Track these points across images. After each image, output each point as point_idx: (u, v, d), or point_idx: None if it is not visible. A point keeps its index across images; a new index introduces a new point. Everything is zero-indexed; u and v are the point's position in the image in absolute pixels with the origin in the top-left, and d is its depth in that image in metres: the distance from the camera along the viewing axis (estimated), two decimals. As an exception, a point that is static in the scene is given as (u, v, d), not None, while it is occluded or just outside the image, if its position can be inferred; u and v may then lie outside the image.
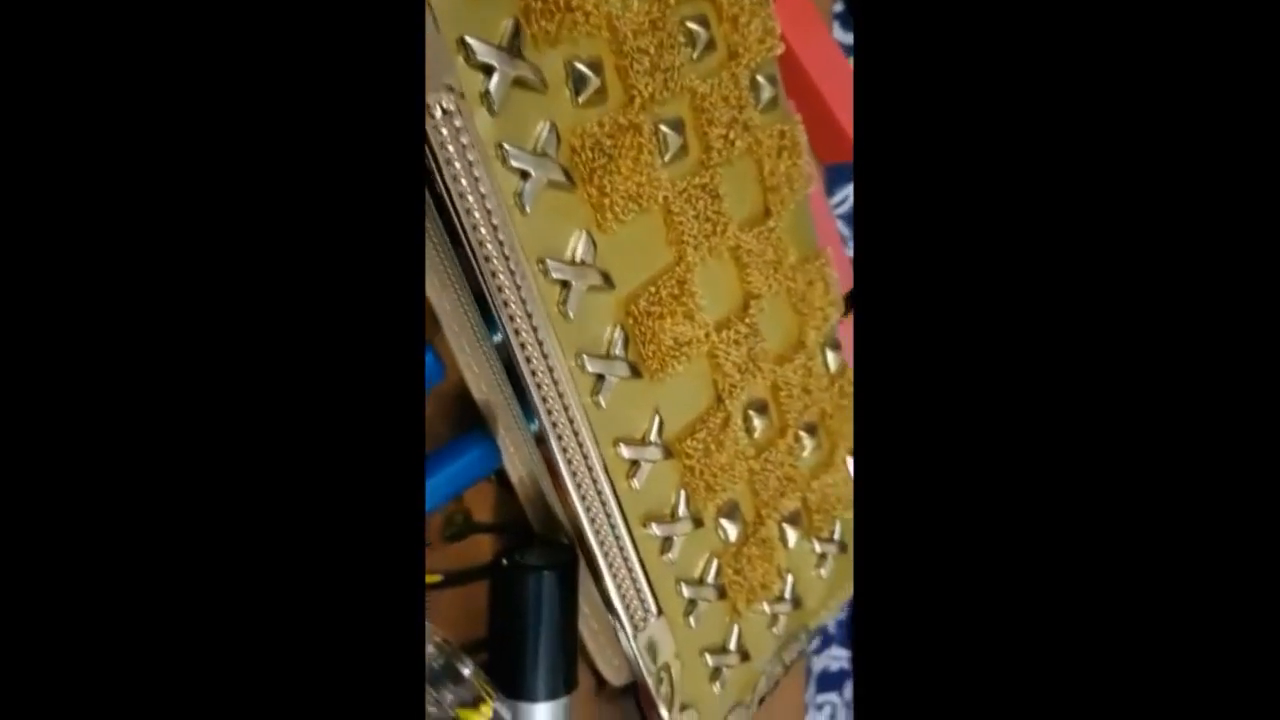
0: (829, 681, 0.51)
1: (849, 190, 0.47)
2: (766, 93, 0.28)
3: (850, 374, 0.33)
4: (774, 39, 0.28)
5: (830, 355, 0.32)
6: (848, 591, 0.34)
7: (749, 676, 0.30)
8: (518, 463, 0.26)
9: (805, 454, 0.31)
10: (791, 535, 0.31)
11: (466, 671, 0.26)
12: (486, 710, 0.27)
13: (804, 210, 0.31)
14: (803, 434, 0.31)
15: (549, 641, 0.28)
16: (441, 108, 0.20)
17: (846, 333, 0.38)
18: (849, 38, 0.45)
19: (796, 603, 0.32)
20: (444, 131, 0.20)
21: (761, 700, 0.31)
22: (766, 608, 0.30)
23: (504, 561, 0.28)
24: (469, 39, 0.20)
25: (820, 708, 0.50)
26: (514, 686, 0.28)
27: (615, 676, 0.28)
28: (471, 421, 0.26)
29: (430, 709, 0.26)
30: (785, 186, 0.29)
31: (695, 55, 0.25)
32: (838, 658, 0.51)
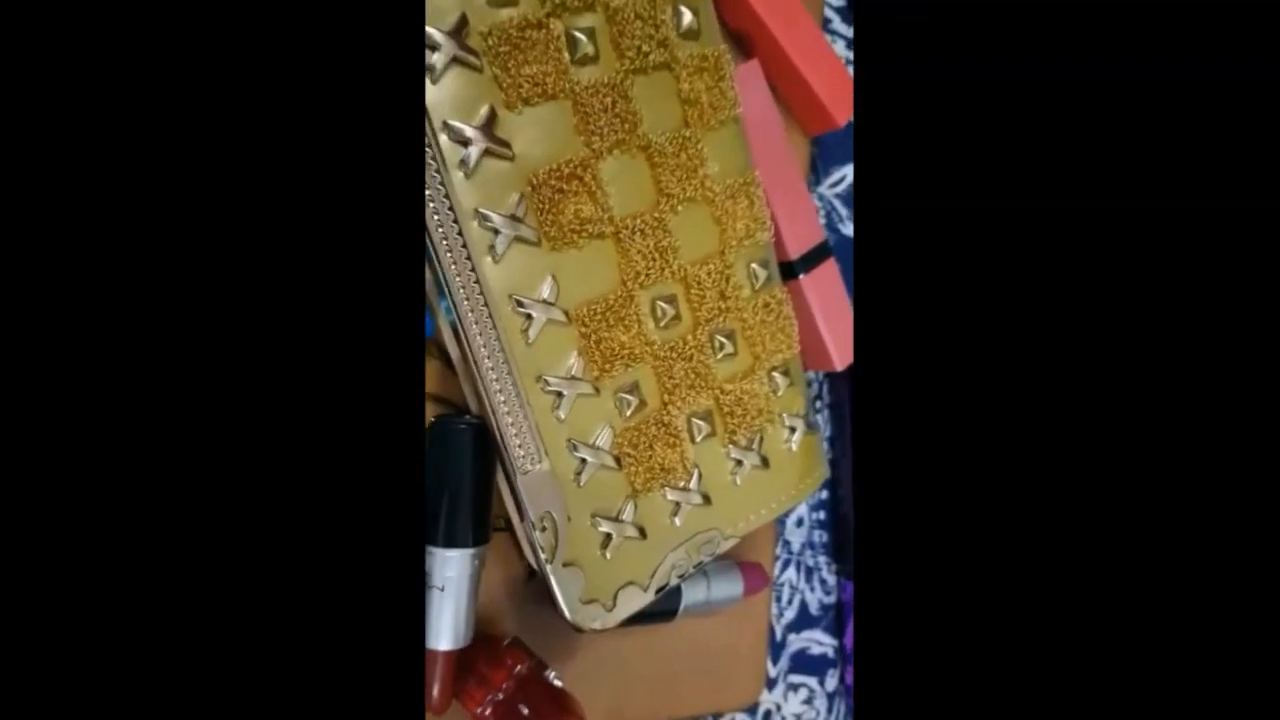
0: (808, 664, 0.50)
1: (848, 170, 0.49)
2: (687, 19, 0.32)
3: (777, 293, 0.35)
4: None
5: (758, 270, 0.34)
6: (771, 508, 0.35)
7: (646, 556, 0.32)
8: (452, 341, 0.30)
9: (719, 357, 0.33)
10: (700, 428, 0.33)
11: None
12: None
13: (734, 134, 0.34)
14: (718, 336, 0.33)
15: (459, 494, 0.31)
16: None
17: (845, 331, 0.40)
18: (849, 30, 0.48)
19: (706, 499, 0.33)
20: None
21: (661, 589, 0.32)
22: (669, 494, 0.32)
23: (431, 421, 0.32)
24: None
25: (795, 688, 0.49)
26: (430, 532, 0.31)
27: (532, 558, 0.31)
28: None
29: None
30: (705, 103, 0.32)
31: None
32: (821, 643, 0.50)
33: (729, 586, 0.38)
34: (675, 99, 0.32)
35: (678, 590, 0.36)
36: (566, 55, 0.29)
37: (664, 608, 0.36)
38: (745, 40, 0.40)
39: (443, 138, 0.27)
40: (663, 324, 0.32)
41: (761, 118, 0.38)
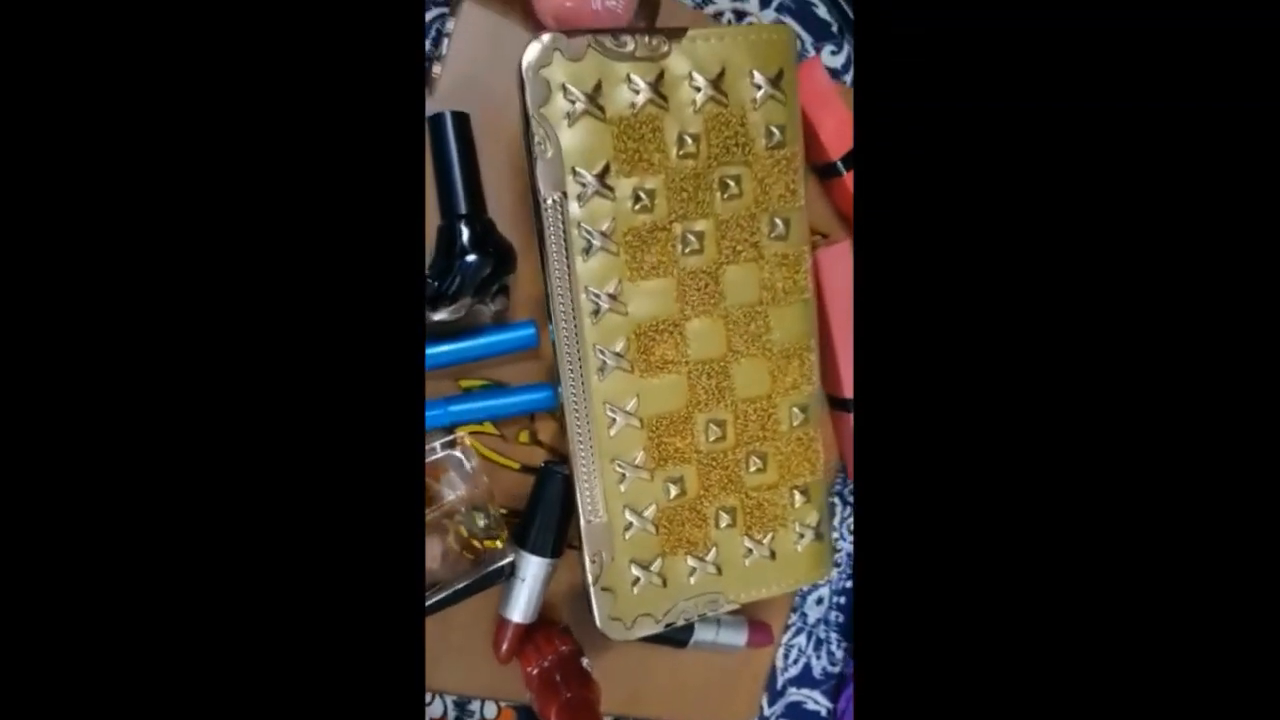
0: (800, 716, 0.60)
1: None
2: (779, 227, 0.43)
3: (811, 431, 0.45)
4: (793, 194, 0.43)
5: (797, 412, 0.45)
6: (772, 589, 0.46)
7: (663, 599, 0.44)
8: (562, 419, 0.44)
9: (751, 470, 0.45)
10: (724, 520, 0.45)
11: (489, 516, 0.45)
12: (496, 543, 0.45)
13: (800, 312, 0.45)
14: (753, 456, 0.45)
15: (547, 518, 0.45)
16: (553, 199, 0.39)
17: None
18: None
19: (718, 569, 0.45)
20: (550, 212, 0.39)
21: (669, 625, 0.45)
22: (689, 560, 0.44)
23: (542, 464, 0.46)
24: (577, 169, 0.39)
25: (789, 732, 0.60)
26: (521, 538, 0.45)
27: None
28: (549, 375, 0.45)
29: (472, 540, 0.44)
30: (780, 288, 0.43)
31: (725, 196, 0.42)
32: (816, 701, 0.60)
33: (735, 636, 0.50)
34: (756, 283, 0.43)
35: (690, 627, 0.48)
36: (679, 248, 0.41)
37: (678, 637, 0.48)
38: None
39: (582, 297, 0.40)
40: (711, 439, 0.44)
41: (845, 289, 0.49)
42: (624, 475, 0.43)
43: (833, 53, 0.52)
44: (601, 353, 0.41)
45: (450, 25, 0.44)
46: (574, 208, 0.40)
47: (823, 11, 0.51)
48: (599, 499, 0.42)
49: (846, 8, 0.50)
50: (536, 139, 0.39)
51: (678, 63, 0.40)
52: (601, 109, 0.39)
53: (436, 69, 0.44)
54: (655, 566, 0.44)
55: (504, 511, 0.47)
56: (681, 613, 0.45)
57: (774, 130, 0.42)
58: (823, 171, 0.50)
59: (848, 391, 0.51)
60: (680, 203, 0.41)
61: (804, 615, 0.58)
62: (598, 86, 0.39)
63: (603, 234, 0.40)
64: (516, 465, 0.48)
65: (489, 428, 0.47)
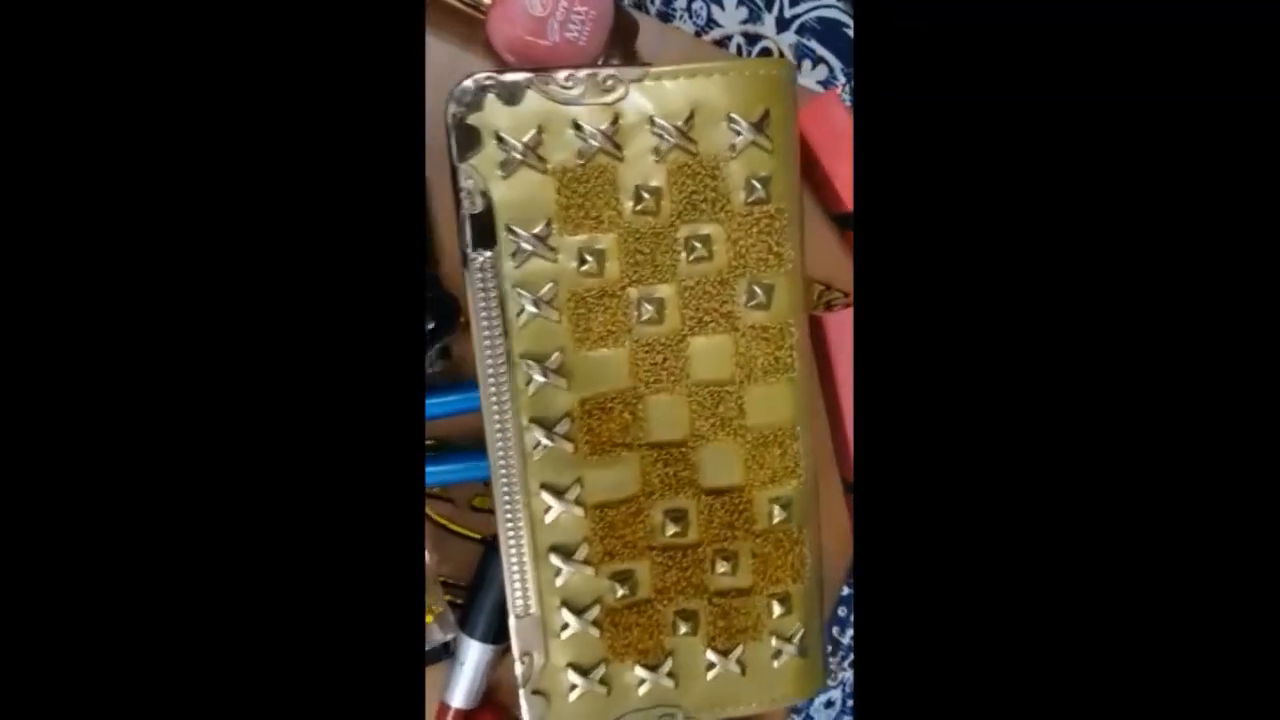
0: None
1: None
2: (759, 296, 0.36)
3: (793, 532, 0.38)
4: (777, 257, 0.36)
5: (778, 510, 0.38)
6: (740, 708, 0.40)
7: (605, 709, 0.39)
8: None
9: (716, 573, 0.38)
10: (682, 627, 0.39)
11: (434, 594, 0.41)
12: (430, 616, 0.41)
13: (785, 393, 0.38)
14: (720, 557, 0.38)
15: (488, 600, 0.41)
16: (483, 259, 0.35)
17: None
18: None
19: (674, 681, 0.39)
20: (478, 273, 0.35)
21: (615, 736, 0.39)
22: (639, 670, 0.39)
23: (485, 540, 0.42)
24: (513, 226, 0.35)
25: None
26: (462, 619, 0.42)
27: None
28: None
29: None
30: (759, 365, 0.37)
31: (691, 258, 0.36)
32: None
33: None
34: (728, 358, 0.37)
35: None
36: (634, 314, 0.36)
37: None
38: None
39: (517, 367, 0.36)
40: (668, 534, 0.38)
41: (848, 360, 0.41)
42: (560, 568, 0.38)
43: (868, 81, 0.44)
44: (538, 429, 0.37)
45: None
46: (508, 268, 0.35)
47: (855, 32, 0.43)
48: (530, 592, 0.38)
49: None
50: (464, 191, 0.34)
51: (637, 105, 0.35)
52: (543, 159, 0.35)
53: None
54: (597, 673, 0.39)
55: (442, 581, 0.43)
56: (629, 727, 0.40)
57: (755, 183, 0.36)
58: (842, 222, 0.42)
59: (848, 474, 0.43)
60: (635, 265, 0.36)
61: (809, 718, 0.50)
62: (539, 133, 0.34)
63: (542, 299, 0.35)
64: (477, 535, 0.44)
65: (439, 491, 0.43)
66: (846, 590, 0.48)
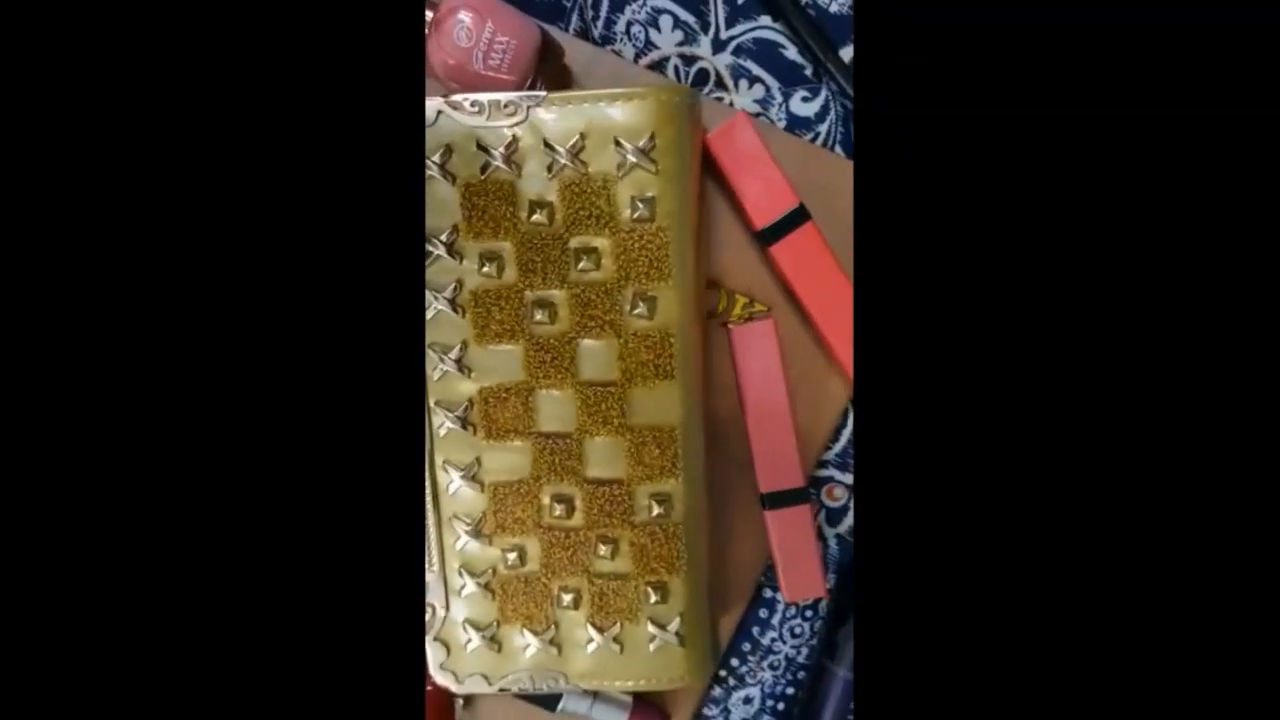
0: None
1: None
2: (641, 307, 0.39)
3: (669, 527, 0.41)
4: (658, 271, 0.39)
5: (655, 505, 0.41)
6: (617, 683, 0.43)
7: (496, 664, 0.43)
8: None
9: (598, 554, 0.42)
10: (566, 599, 0.42)
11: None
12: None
13: (668, 395, 0.40)
14: (602, 542, 0.42)
15: (415, 557, 0.46)
16: (402, 257, 0.40)
17: (807, 569, 0.45)
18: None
19: (558, 649, 0.43)
20: (397, 268, 0.40)
21: (502, 690, 0.44)
22: (525, 634, 0.43)
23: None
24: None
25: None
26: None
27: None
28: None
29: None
30: (645, 365, 0.40)
31: (579, 267, 0.39)
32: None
33: (613, 715, 0.47)
34: (614, 360, 0.40)
35: (559, 695, 0.47)
36: (530, 314, 0.40)
37: (546, 696, 0.47)
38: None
39: (430, 353, 0.41)
40: (555, 514, 0.42)
41: (765, 371, 0.43)
42: (460, 535, 0.43)
43: (805, 99, 0.45)
44: (443, 411, 0.41)
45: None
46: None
47: (793, 53, 0.44)
48: (434, 554, 0.43)
49: (816, 48, 0.44)
50: (385, 201, 0.40)
51: (534, 128, 0.39)
52: (451, 174, 0.39)
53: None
54: (489, 631, 0.43)
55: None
56: (516, 681, 0.44)
57: (639, 202, 0.39)
58: (761, 237, 0.44)
59: (763, 485, 0.45)
60: (530, 270, 0.40)
61: (728, 712, 0.52)
62: (448, 151, 0.39)
63: (447, 296, 0.40)
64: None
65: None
66: (768, 593, 0.50)
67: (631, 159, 0.38)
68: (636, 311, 0.40)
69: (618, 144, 0.38)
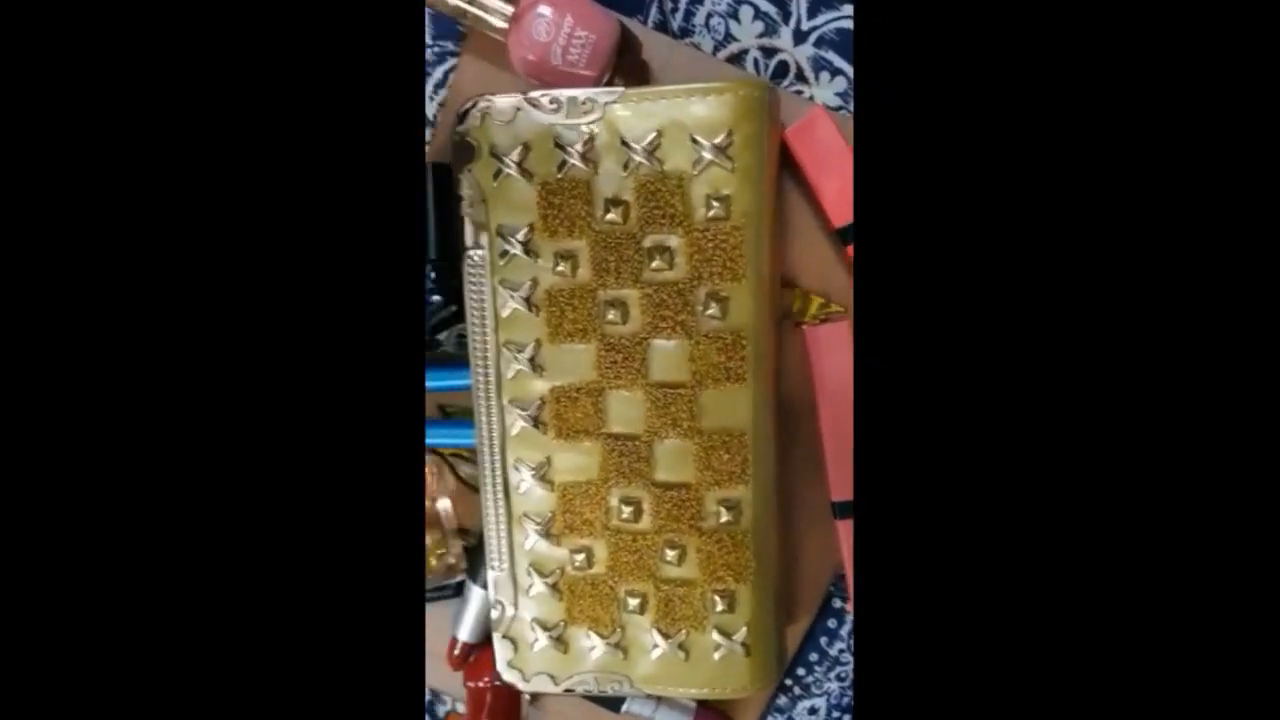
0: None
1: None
2: (713, 308, 0.38)
3: (738, 535, 0.40)
4: (732, 272, 0.38)
5: (724, 511, 0.40)
6: (681, 690, 0.42)
7: (562, 664, 0.43)
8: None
9: (665, 559, 0.41)
10: (632, 603, 0.42)
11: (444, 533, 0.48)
12: (438, 559, 0.48)
13: (741, 398, 0.39)
14: (666, 547, 0.41)
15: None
16: (477, 256, 0.40)
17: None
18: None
19: (623, 652, 0.42)
20: (472, 268, 0.40)
21: (568, 691, 0.44)
22: (592, 636, 0.43)
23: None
24: (502, 229, 0.40)
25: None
26: (471, 564, 0.48)
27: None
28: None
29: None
30: (715, 368, 0.39)
31: (654, 266, 0.38)
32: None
33: (676, 716, 0.47)
34: (685, 362, 0.39)
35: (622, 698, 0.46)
36: (602, 314, 0.39)
37: (611, 699, 0.47)
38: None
39: (505, 351, 0.41)
40: (623, 517, 0.41)
41: (840, 374, 0.42)
42: (530, 534, 0.42)
43: (891, 97, 0.43)
44: (516, 410, 0.41)
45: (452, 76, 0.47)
46: (497, 265, 0.40)
47: (880, 49, 0.43)
48: (504, 551, 0.43)
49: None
50: (464, 198, 0.40)
51: (611, 126, 0.38)
52: (529, 172, 0.39)
53: (435, 113, 0.47)
54: (556, 631, 0.43)
55: (458, 529, 0.49)
56: (580, 683, 0.44)
57: (715, 201, 0.38)
58: (840, 236, 0.43)
59: (836, 494, 0.43)
60: (604, 269, 0.39)
61: (795, 727, 0.51)
62: (526, 148, 0.39)
63: (522, 295, 0.40)
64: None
65: (464, 452, 0.50)
66: (837, 603, 0.48)
67: (708, 156, 0.37)
68: (709, 312, 0.39)
69: (694, 141, 0.38)
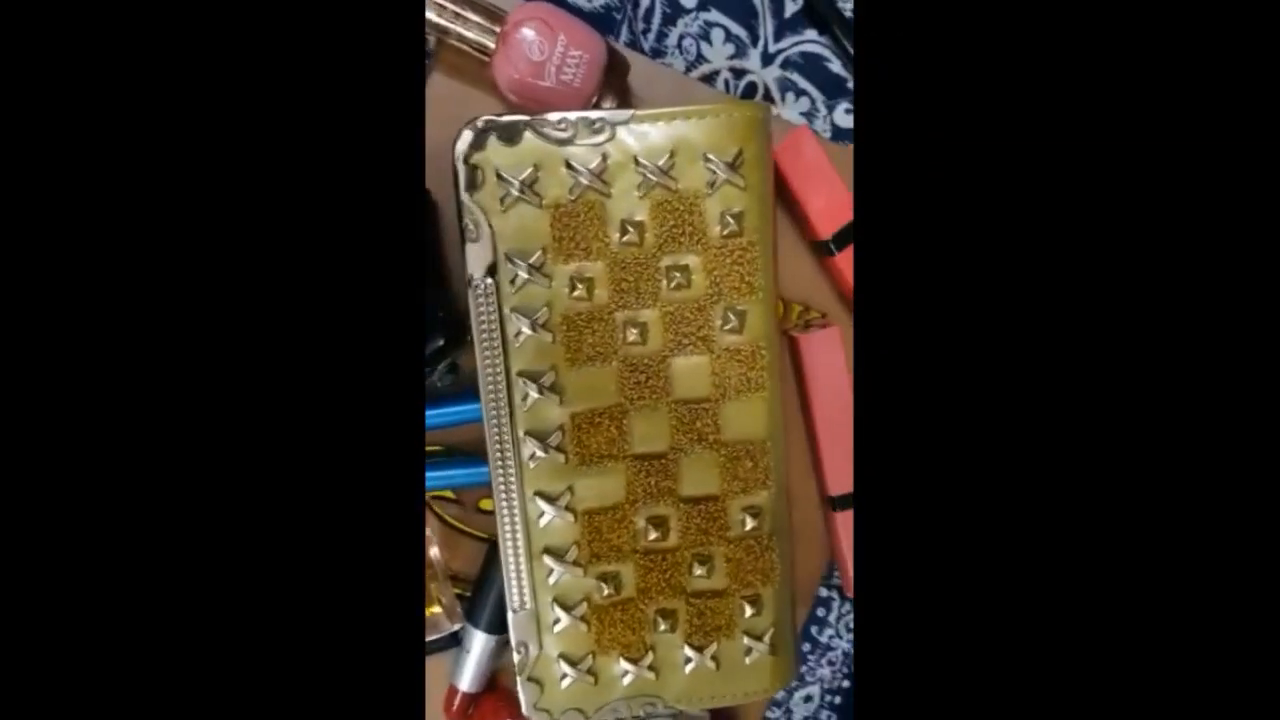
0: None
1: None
2: (732, 321, 0.40)
3: (763, 539, 0.42)
4: (749, 286, 0.39)
5: (748, 518, 0.41)
6: (714, 700, 0.43)
7: (592, 696, 0.42)
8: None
9: (694, 574, 0.42)
10: (662, 625, 0.42)
11: (436, 584, 0.45)
12: (440, 607, 0.45)
13: (758, 409, 0.41)
14: (697, 562, 0.41)
15: (491, 594, 0.44)
16: (485, 284, 0.38)
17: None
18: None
19: (655, 673, 0.42)
20: (479, 297, 0.38)
21: (599, 721, 0.43)
22: (623, 663, 0.42)
23: (490, 538, 0.46)
24: (511, 255, 0.38)
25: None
26: (468, 611, 0.45)
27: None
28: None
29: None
30: (734, 383, 0.40)
31: (672, 285, 0.39)
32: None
33: (693, 727, 0.47)
34: (706, 377, 0.40)
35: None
36: (621, 336, 0.39)
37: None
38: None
39: (514, 383, 0.39)
40: (650, 538, 0.41)
41: (834, 376, 0.45)
42: (553, 569, 0.41)
43: (848, 111, 0.47)
44: (533, 440, 0.40)
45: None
46: (507, 293, 0.39)
47: (837, 66, 0.46)
48: (526, 589, 0.41)
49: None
50: (468, 225, 0.38)
51: (622, 146, 0.38)
52: (538, 195, 0.38)
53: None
54: (585, 664, 0.42)
55: (451, 578, 0.47)
56: (613, 711, 0.43)
57: (730, 218, 0.39)
58: (819, 249, 0.45)
59: (833, 488, 0.46)
60: (622, 291, 0.39)
61: (789, 712, 0.53)
62: (535, 171, 0.38)
63: (537, 321, 0.39)
64: (483, 535, 0.48)
65: (448, 493, 0.47)
66: (824, 592, 0.51)
67: (721, 175, 0.38)
68: (728, 326, 0.40)
69: (707, 160, 0.38)
